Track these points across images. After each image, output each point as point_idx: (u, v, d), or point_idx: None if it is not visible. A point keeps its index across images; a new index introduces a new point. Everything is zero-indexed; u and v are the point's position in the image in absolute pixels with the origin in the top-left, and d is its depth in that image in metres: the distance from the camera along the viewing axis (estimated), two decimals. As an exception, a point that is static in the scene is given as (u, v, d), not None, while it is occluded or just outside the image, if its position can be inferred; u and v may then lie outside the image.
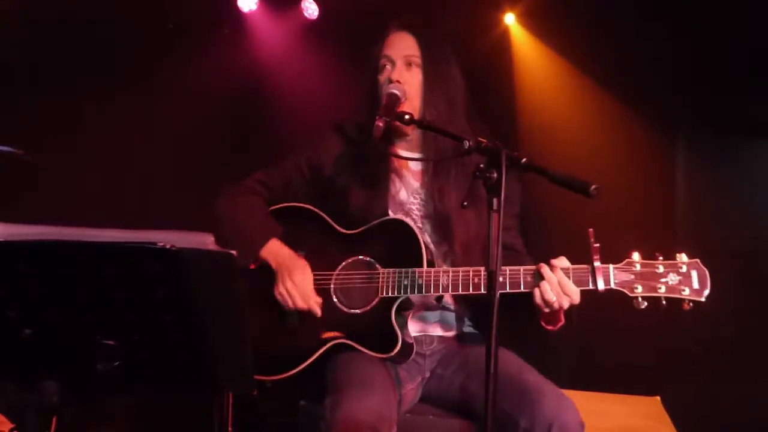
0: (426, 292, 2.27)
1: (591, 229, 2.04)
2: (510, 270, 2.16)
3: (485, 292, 2.12)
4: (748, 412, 3.75)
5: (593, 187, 1.84)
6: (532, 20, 4.42)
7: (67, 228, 1.63)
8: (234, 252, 1.66)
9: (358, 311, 2.35)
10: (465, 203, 2.02)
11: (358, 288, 2.36)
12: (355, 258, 2.40)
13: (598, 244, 2.06)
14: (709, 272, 2.06)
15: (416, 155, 2.54)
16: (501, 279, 2.12)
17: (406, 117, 2.26)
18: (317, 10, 4.63)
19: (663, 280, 2.06)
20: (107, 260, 1.61)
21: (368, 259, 2.38)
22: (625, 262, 2.09)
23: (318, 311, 2.35)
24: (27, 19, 4.20)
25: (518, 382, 2.17)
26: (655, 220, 4.11)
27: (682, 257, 2.07)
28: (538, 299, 2.12)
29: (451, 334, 2.50)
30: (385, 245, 2.35)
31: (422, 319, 2.46)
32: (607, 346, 4.02)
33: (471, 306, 2.49)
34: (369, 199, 2.45)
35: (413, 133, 2.52)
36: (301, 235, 2.46)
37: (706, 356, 3.91)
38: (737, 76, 3.98)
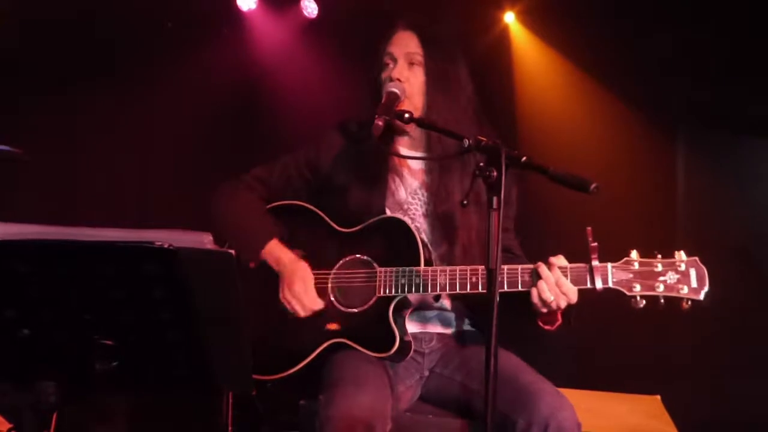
0: (423, 291, 2.27)
1: (589, 228, 2.03)
2: (508, 269, 2.16)
3: (483, 291, 2.13)
4: (749, 410, 3.74)
5: (593, 185, 1.83)
6: (531, 19, 4.41)
7: (65, 227, 1.63)
8: (233, 251, 1.66)
9: (355, 310, 2.35)
10: (465, 202, 2.01)
11: (356, 287, 2.36)
12: (352, 257, 2.40)
13: (596, 243, 2.05)
14: (709, 270, 2.04)
15: (417, 154, 2.53)
16: (498, 278, 2.09)
17: (406, 116, 2.25)
18: (317, 8, 4.63)
19: (661, 278, 2.04)
20: (105, 260, 1.61)
21: (365, 258, 2.37)
22: (623, 260, 2.08)
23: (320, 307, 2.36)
24: (26, 18, 4.19)
25: (515, 382, 2.16)
26: (654, 218, 4.10)
27: (681, 255, 2.06)
28: (535, 299, 2.11)
29: (450, 331, 2.49)
30: (383, 244, 2.35)
31: (421, 317, 2.46)
32: (607, 345, 4.02)
33: (468, 307, 2.49)
34: (367, 198, 2.45)
35: (415, 132, 2.51)
36: (299, 233, 2.47)
37: (706, 355, 3.90)
38: (737, 74, 3.97)
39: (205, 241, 1.64)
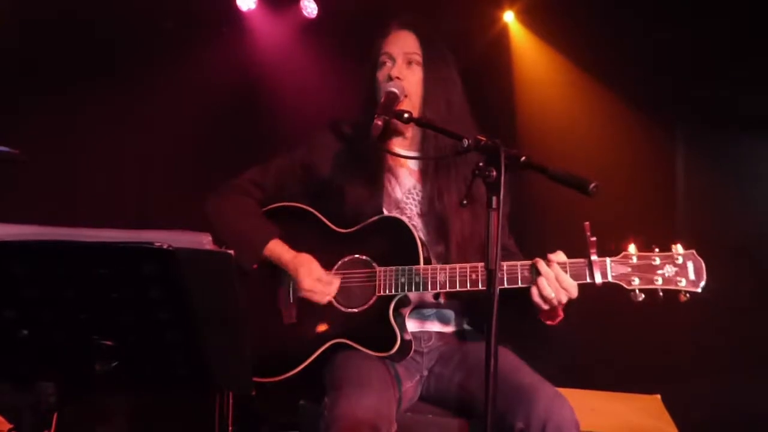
0: (423, 290, 2.26)
1: (587, 223, 2.05)
2: (507, 265, 2.16)
3: (483, 288, 2.12)
4: (749, 410, 3.74)
5: (593, 185, 1.83)
6: (531, 18, 4.42)
7: (64, 228, 1.63)
8: (231, 252, 1.66)
9: (355, 310, 2.35)
10: (464, 202, 2.01)
11: (355, 287, 2.36)
12: (351, 257, 2.39)
13: (594, 238, 2.06)
14: (709, 269, 2.05)
15: (414, 154, 2.53)
16: (498, 275, 2.10)
17: (405, 115, 2.25)
18: (316, 9, 4.63)
19: (659, 271, 2.06)
20: (104, 260, 1.61)
21: (364, 257, 2.37)
22: (621, 255, 2.10)
23: (337, 287, 2.36)
24: (26, 18, 4.19)
25: (514, 382, 2.16)
26: (654, 216, 4.10)
27: (678, 248, 2.08)
28: (536, 297, 2.11)
29: (449, 330, 2.49)
30: (381, 243, 2.35)
31: (420, 316, 2.46)
32: (607, 344, 4.02)
33: (467, 306, 2.48)
34: (364, 198, 2.44)
35: (411, 132, 2.51)
36: (297, 235, 2.46)
37: (707, 354, 3.90)
38: (737, 74, 3.97)
39: (204, 241, 1.64)
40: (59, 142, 4.30)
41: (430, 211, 2.45)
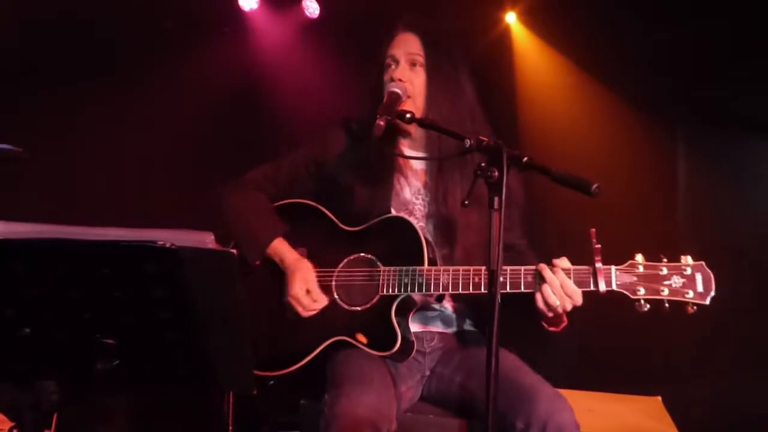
0: (426, 291, 2.26)
1: (593, 230, 2.01)
2: (510, 270, 2.14)
3: (485, 291, 2.12)
4: (750, 412, 3.74)
5: (595, 186, 1.82)
6: (533, 19, 4.41)
7: (66, 226, 1.63)
8: (234, 251, 1.66)
9: (358, 308, 2.35)
10: (466, 202, 2.00)
11: (359, 285, 2.36)
12: (356, 255, 2.40)
13: (599, 246, 2.02)
14: (713, 272, 2.01)
15: (419, 154, 2.53)
16: (501, 279, 2.09)
17: (407, 116, 2.25)
18: (318, 9, 4.63)
19: (666, 282, 2.01)
20: (107, 259, 1.61)
21: (370, 256, 2.38)
22: (627, 263, 2.05)
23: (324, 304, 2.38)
24: (26, 18, 4.19)
25: (514, 383, 2.16)
26: (656, 218, 4.10)
27: (687, 259, 2.02)
28: (540, 304, 2.09)
29: (451, 331, 2.49)
30: (387, 243, 2.35)
31: (423, 316, 2.46)
32: (608, 345, 4.01)
33: (471, 308, 2.48)
34: (373, 197, 2.45)
35: (417, 133, 2.51)
36: (305, 231, 2.48)
37: (708, 356, 3.90)
38: (737, 74, 3.97)
39: (207, 240, 1.64)
40: (59, 141, 4.30)
41: (437, 212, 2.45)
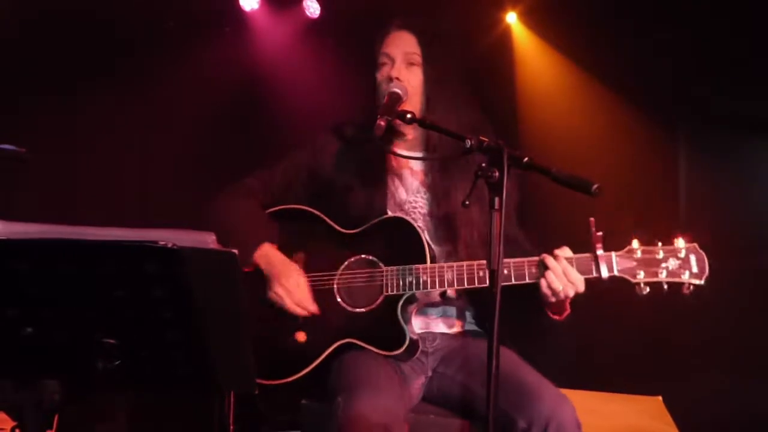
0: (431, 288, 2.27)
1: (592, 219, 2.10)
2: (514, 262, 2.18)
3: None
4: (751, 411, 3.74)
5: (595, 186, 1.85)
6: (533, 19, 4.41)
7: (67, 226, 1.63)
8: (236, 251, 1.66)
9: (363, 310, 2.35)
10: (467, 202, 2.01)
11: (362, 287, 2.36)
12: (357, 257, 2.40)
13: (600, 233, 2.11)
14: (712, 269, 2.10)
15: (417, 154, 2.53)
16: (506, 272, 2.16)
17: (408, 116, 2.24)
18: (318, 8, 4.63)
19: (663, 265, 2.11)
20: (107, 259, 1.61)
21: (370, 257, 2.37)
22: (626, 249, 2.14)
23: (316, 310, 2.35)
24: (26, 17, 4.19)
25: (516, 382, 2.16)
26: (657, 217, 4.09)
27: (680, 242, 2.13)
28: (544, 288, 2.14)
29: (453, 331, 2.49)
30: (387, 243, 2.35)
31: (425, 316, 2.46)
32: (609, 345, 4.02)
33: (475, 302, 2.48)
34: (368, 199, 2.45)
35: (413, 133, 2.50)
36: (302, 236, 2.46)
37: (708, 355, 3.90)
38: (738, 73, 3.97)
39: (209, 240, 1.64)
40: (59, 141, 4.30)
41: (437, 212, 2.44)
